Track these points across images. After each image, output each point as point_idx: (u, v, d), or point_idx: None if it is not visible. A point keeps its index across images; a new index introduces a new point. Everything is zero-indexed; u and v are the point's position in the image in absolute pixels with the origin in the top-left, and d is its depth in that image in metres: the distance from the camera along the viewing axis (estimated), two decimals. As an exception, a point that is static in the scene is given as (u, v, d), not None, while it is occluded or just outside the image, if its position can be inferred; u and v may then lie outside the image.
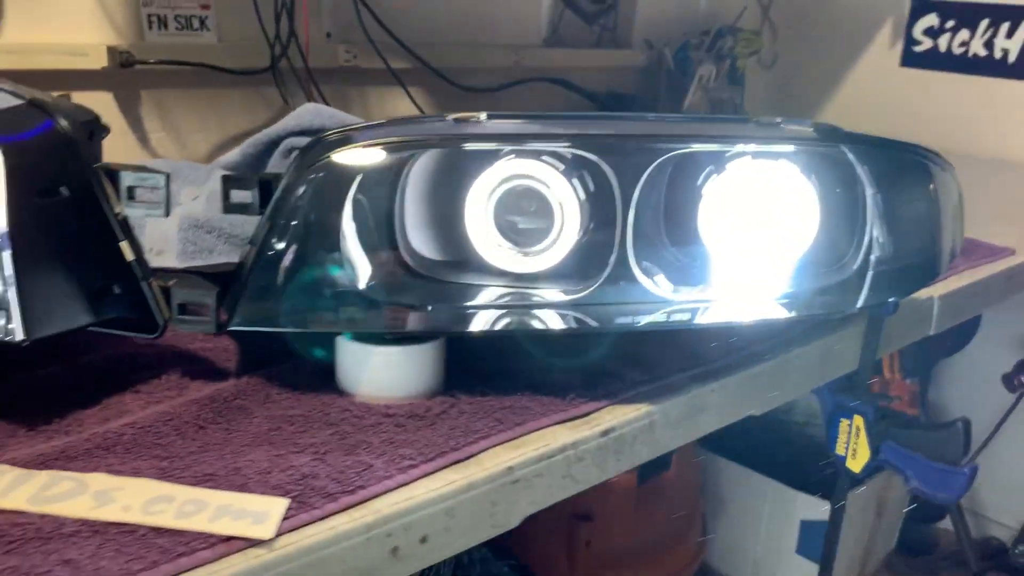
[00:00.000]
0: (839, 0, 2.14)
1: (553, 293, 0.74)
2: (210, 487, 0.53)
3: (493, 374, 0.70)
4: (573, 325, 0.71)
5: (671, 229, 0.78)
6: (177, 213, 0.90)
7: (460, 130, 0.72)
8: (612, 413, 0.68)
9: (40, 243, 0.58)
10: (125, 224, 0.63)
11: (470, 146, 0.69)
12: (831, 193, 0.76)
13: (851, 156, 0.75)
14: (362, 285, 0.67)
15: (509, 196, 0.73)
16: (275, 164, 1.13)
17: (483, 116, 0.73)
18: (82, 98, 0.88)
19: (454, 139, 0.69)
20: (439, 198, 0.74)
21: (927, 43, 2.03)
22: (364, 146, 0.67)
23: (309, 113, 1.11)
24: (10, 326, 0.55)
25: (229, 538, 0.48)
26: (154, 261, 0.68)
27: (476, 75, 1.60)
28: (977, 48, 1.96)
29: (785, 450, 1.82)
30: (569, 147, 0.71)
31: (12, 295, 0.55)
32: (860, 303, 0.74)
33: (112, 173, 0.63)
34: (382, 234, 0.71)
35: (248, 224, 0.94)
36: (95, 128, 0.68)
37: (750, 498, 1.74)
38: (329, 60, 1.39)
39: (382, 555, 0.54)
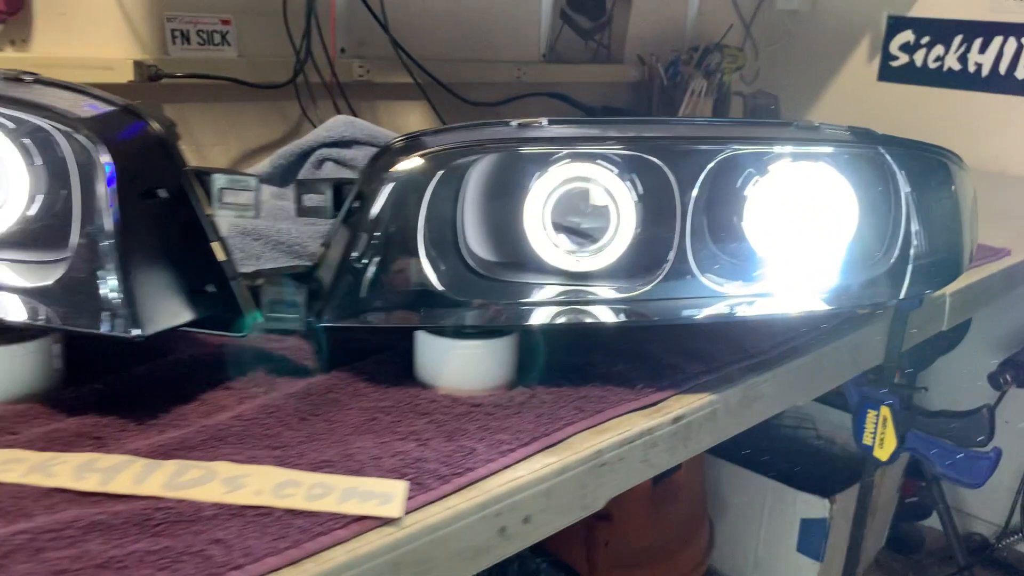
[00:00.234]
0: (818, 18, 2.22)
1: (606, 290, 0.77)
2: (329, 472, 0.55)
3: (561, 367, 0.73)
4: (634, 319, 0.75)
5: (713, 227, 0.82)
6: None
7: (524, 134, 0.75)
8: (679, 402, 0.71)
9: (144, 243, 0.60)
10: (214, 225, 0.65)
11: (543, 149, 0.72)
12: (867, 192, 0.81)
13: (888, 157, 0.80)
14: (436, 284, 0.70)
15: (566, 197, 0.77)
16: (306, 174, 1.15)
17: (545, 121, 0.77)
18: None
19: (530, 143, 0.72)
20: (497, 200, 0.77)
21: (903, 58, 2.12)
22: (444, 150, 0.70)
23: (342, 125, 1.14)
24: (126, 322, 0.57)
25: (360, 518, 0.51)
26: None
27: (481, 89, 1.64)
28: (952, 62, 2.04)
29: (781, 452, 1.87)
30: (629, 150, 0.74)
31: (126, 292, 0.57)
32: (902, 294, 0.79)
33: (204, 175, 0.66)
34: (449, 235, 0.74)
35: (295, 231, 0.97)
36: (175, 133, 0.70)
37: (751, 499, 1.79)
38: (344, 75, 1.42)
39: (492, 534, 0.57)
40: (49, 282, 0.61)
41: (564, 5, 1.78)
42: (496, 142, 0.72)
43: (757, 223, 0.80)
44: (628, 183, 0.75)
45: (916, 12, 2.08)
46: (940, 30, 2.05)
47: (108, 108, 0.65)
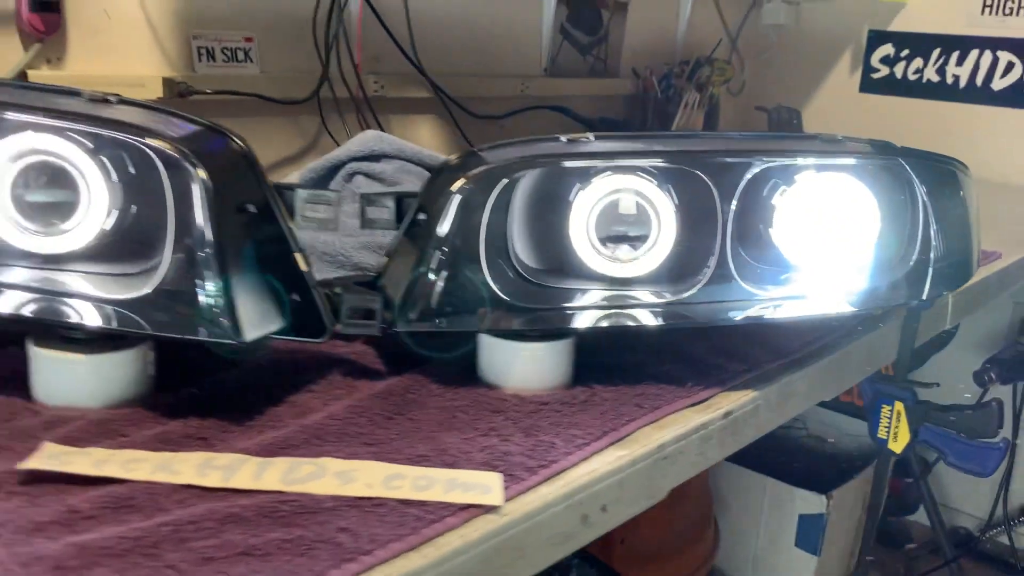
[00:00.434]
0: (802, 32, 2.30)
1: (647, 294, 0.82)
2: (427, 466, 0.59)
3: (615, 367, 0.78)
4: (679, 322, 0.79)
5: (744, 234, 0.87)
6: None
7: (574, 148, 0.80)
8: (727, 398, 0.76)
9: (239, 254, 0.63)
10: (295, 237, 0.69)
11: (601, 163, 0.76)
12: (888, 200, 0.86)
13: (907, 167, 0.86)
14: (498, 291, 0.74)
15: (609, 207, 0.81)
16: (336, 187, 1.19)
17: (591, 136, 0.82)
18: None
19: (584, 157, 0.77)
20: (542, 210, 0.81)
21: (884, 70, 2.20)
22: (505, 164, 0.74)
23: (371, 139, 1.18)
24: (229, 329, 0.60)
25: (466, 506, 0.55)
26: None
27: (486, 103, 1.68)
28: (930, 74, 2.13)
29: (776, 451, 1.93)
30: (673, 163, 0.79)
31: (227, 301, 0.61)
32: (924, 295, 0.85)
33: (287, 191, 0.69)
34: (501, 245, 0.78)
35: (337, 243, 1.01)
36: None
37: (750, 496, 1.84)
38: (354, 89, 1.45)
39: (576, 521, 0.61)
40: (143, 292, 0.65)
41: (564, 21, 1.83)
42: (555, 157, 0.77)
43: (785, 230, 0.86)
44: (667, 193, 0.80)
45: (896, 26, 2.16)
46: (919, 44, 2.13)
47: (195, 127, 0.69)
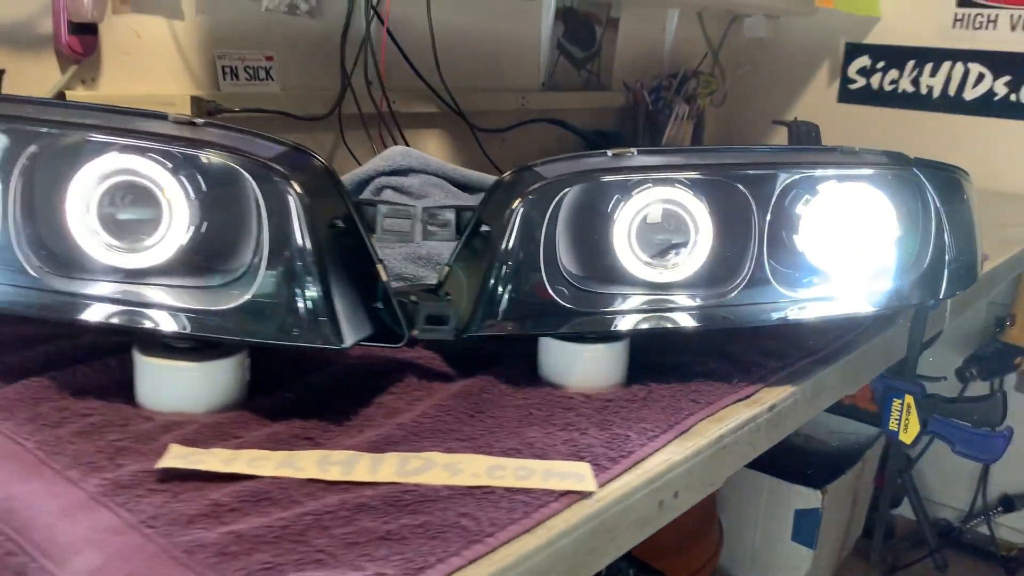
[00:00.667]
0: (781, 45, 2.39)
1: (685, 298, 0.87)
2: (521, 458, 0.64)
3: (665, 366, 0.83)
4: (719, 323, 0.85)
5: (769, 240, 0.93)
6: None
7: (619, 163, 0.85)
8: (770, 393, 0.82)
9: (333, 265, 0.68)
10: (375, 249, 0.74)
11: (653, 175, 0.82)
12: (904, 206, 0.93)
13: (922, 176, 0.92)
14: (555, 297, 0.80)
15: (652, 217, 0.87)
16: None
17: (635, 151, 0.87)
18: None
19: (634, 171, 0.82)
20: (585, 220, 0.87)
21: (861, 81, 2.30)
22: (562, 178, 0.80)
23: (398, 155, 1.22)
24: (331, 335, 0.65)
25: (565, 493, 0.60)
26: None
27: (489, 117, 1.74)
28: (905, 85, 2.23)
29: (772, 448, 2.00)
30: (713, 175, 0.85)
31: (329, 309, 0.65)
32: (941, 294, 0.91)
33: (369, 205, 0.74)
34: (552, 253, 0.83)
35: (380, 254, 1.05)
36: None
37: (747, 493, 1.91)
38: (367, 106, 1.50)
39: (654, 507, 0.66)
40: (239, 303, 0.69)
41: (561, 37, 1.89)
42: (607, 171, 0.82)
43: (810, 237, 0.92)
44: (703, 203, 0.86)
45: (872, 39, 2.26)
46: (894, 56, 2.23)
47: (281, 147, 0.73)
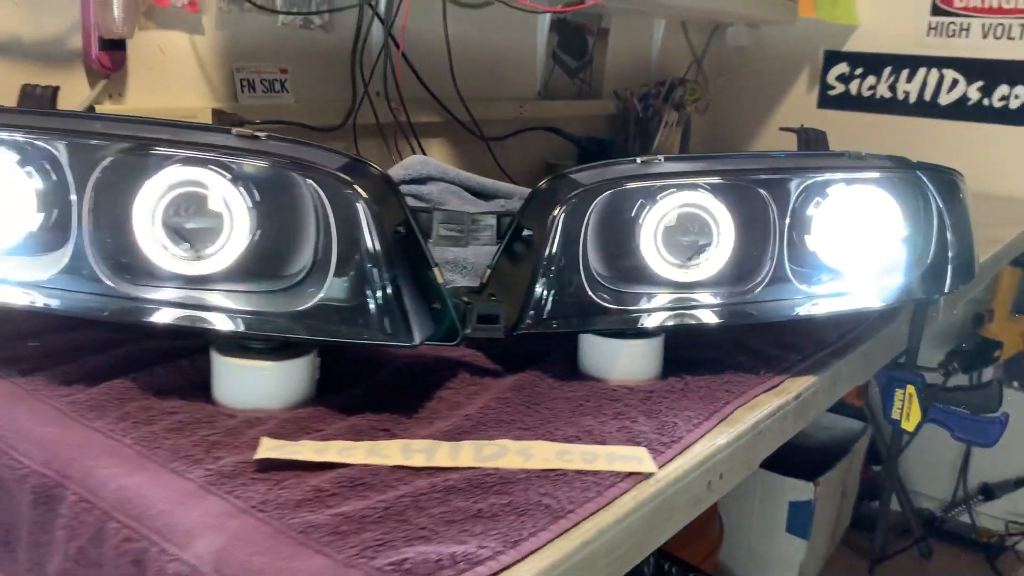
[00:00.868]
0: (762, 52, 2.46)
1: (707, 296, 0.93)
2: (583, 443, 0.69)
3: (697, 360, 0.89)
4: (744, 319, 0.91)
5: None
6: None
7: (648, 169, 0.91)
8: (794, 383, 0.88)
9: (399, 268, 0.72)
10: (431, 253, 0.78)
11: (679, 181, 0.87)
12: (908, 207, 0.99)
13: (924, 178, 0.99)
14: (594, 296, 0.85)
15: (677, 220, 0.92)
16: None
17: (662, 158, 0.93)
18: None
19: (664, 176, 0.88)
20: (613, 225, 0.92)
21: (840, 88, 2.38)
22: (599, 184, 0.85)
23: (418, 164, 1.27)
24: (403, 334, 0.69)
25: (629, 474, 0.65)
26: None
27: (489, 125, 1.79)
28: (883, 91, 2.31)
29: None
30: (737, 180, 0.91)
31: (400, 309, 0.70)
32: (946, 289, 0.98)
33: (425, 213, 0.78)
34: (586, 255, 0.88)
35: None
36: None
37: (743, 486, 1.97)
38: (383, 116, 1.54)
39: (703, 487, 0.71)
40: (309, 305, 0.73)
41: (555, 47, 1.95)
42: (640, 177, 0.88)
43: (822, 237, 0.98)
44: (724, 206, 0.92)
45: (850, 47, 2.34)
46: (872, 62, 2.31)
47: (343, 158, 0.77)
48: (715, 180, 0.90)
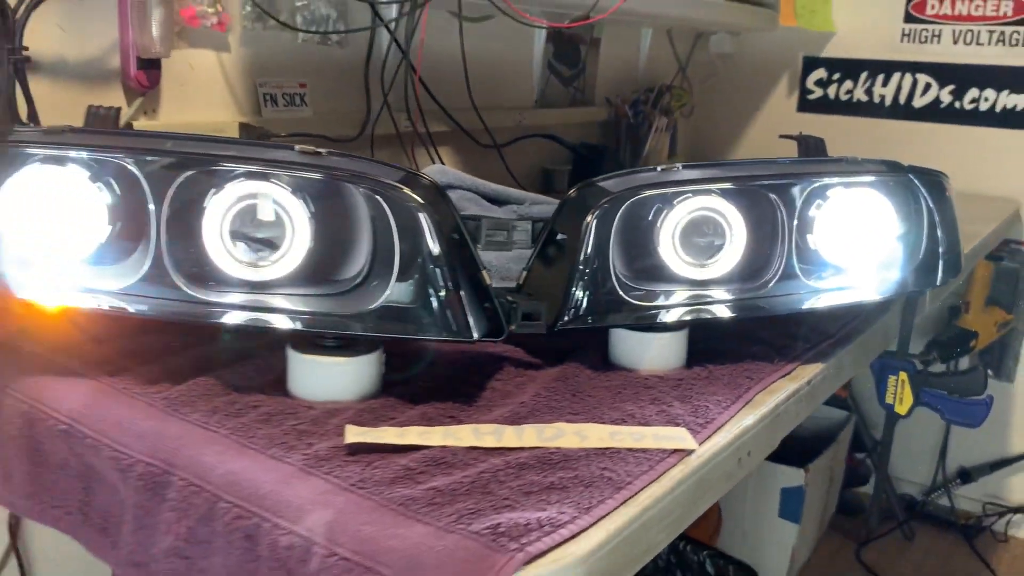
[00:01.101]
0: (744, 59, 2.56)
1: (721, 291, 1.01)
2: (629, 425, 0.76)
3: (717, 351, 0.97)
4: (757, 312, 0.99)
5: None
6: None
7: (669, 177, 0.99)
8: (804, 370, 0.96)
9: (458, 270, 0.79)
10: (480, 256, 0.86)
11: (696, 187, 0.95)
12: (902, 207, 1.08)
13: (916, 181, 1.08)
14: (623, 295, 0.93)
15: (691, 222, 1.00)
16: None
17: (679, 166, 1.01)
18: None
19: (681, 183, 0.96)
20: (635, 229, 0.99)
21: (818, 92, 2.48)
22: (626, 191, 0.93)
23: (437, 173, 1.34)
24: (465, 330, 0.77)
25: (674, 451, 0.73)
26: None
27: (488, 134, 1.86)
28: (860, 95, 2.42)
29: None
30: (748, 185, 0.99)
31: (462, 307, 0.77)
32: (938, 282, 1.07)
33: (472, 220, 0.86)
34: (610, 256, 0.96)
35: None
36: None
37: (737, 476, 2.06)
38: (390, 127, 1.61)
39: (734, 463, 0.80)
40: (374, 306, 0.80)
41: (551, 57, 2.03)
42: (662, 184, 0.96)
43: (823, 236, 1.07)
44: (736, 209, 1.00)
45: (828, 53, 2.45)
46: (849, 68, 2.42)
47: (400, 170, 0.84)
48: (728, 185, 0.98)
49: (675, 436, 0.75)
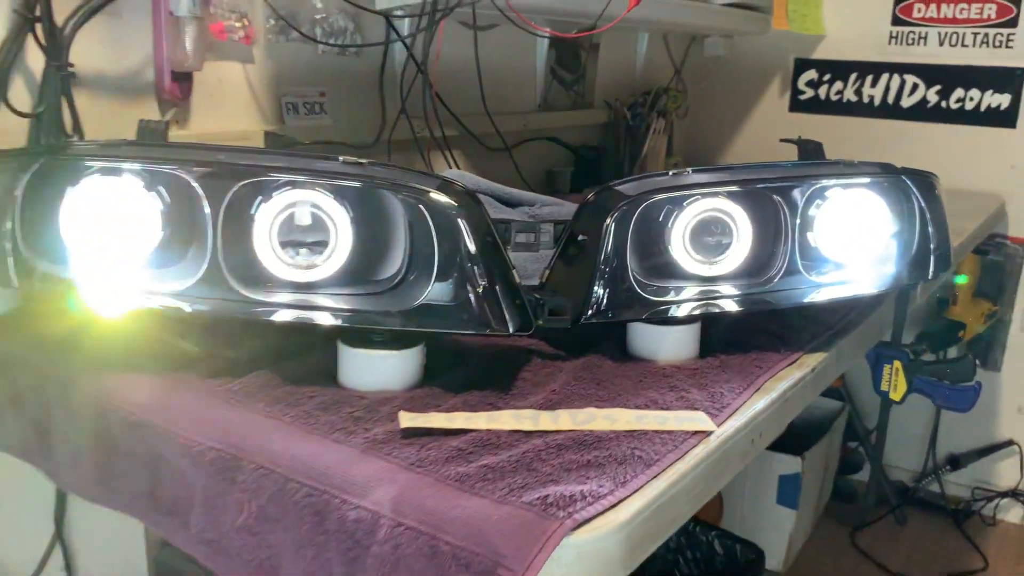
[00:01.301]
0: (737, 61, 2.64)
1: (728, 287, 1.08)
2: (653, 410, 0.84)
3: (727, 342, 1.04)
4: (762, 306, 1.06)
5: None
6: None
7: (680, 181, 1.06)
8: (808, 359, 1.04)
9: (492, 270, 0.86)
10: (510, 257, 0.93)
11: (709, 190, 1.03)
12: (895, 206, 1.16)
13: (908, 181, 1.16)
14: (640, 291, 1.00)
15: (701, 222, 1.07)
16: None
17: (690, 171, 1.08)
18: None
19: (694, 187, 1.03)
20: (647, 229, 1.07)
21: (809, 92, 2.56)
22: (643, 194, 1.00)
23: (455, 177, 1.41)
24: (501, 325, 0.84)
25: (694, 432, 0.80)
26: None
27: (495, 137, 1.93)
28: (849, 95, 2.50)
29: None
30: (754, 188, 1.06)
31: (499, 304, 0.84)
32: (930, 276, 1.14)
33: (502, 223, 0.93)
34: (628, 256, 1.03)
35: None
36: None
37: (737, 465, 2.14)
38: (406, 133, 1.68)
39: (748, 444, 0.87)
40: (416, 303, 0.87)
41: (553, 62, 2.10)
42: (676, 188, 1.03)
43: (823, 234, 1.14)
44: (742, 210, 1.07)
45: (818, 55, 2.53)
46: (839, 69, 2.50)
47: (436, 179, 0.91)
48: (735, 188, 1.06)
49: (696, 419, 0.82)
